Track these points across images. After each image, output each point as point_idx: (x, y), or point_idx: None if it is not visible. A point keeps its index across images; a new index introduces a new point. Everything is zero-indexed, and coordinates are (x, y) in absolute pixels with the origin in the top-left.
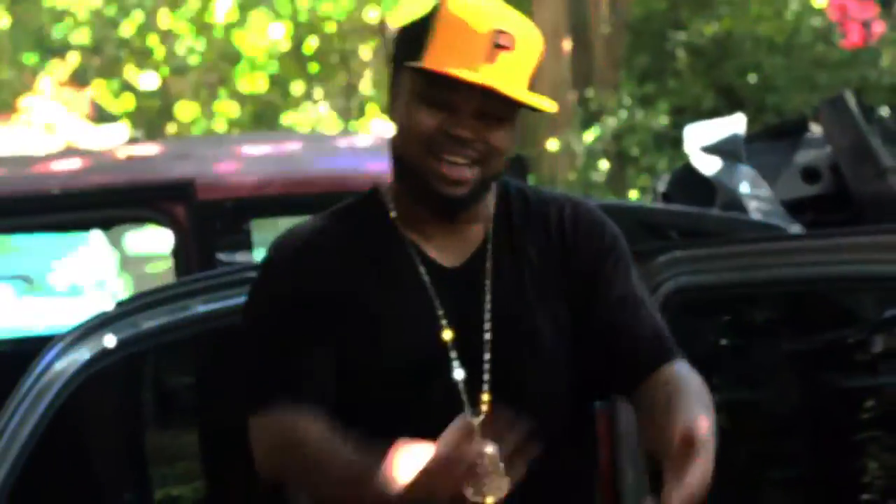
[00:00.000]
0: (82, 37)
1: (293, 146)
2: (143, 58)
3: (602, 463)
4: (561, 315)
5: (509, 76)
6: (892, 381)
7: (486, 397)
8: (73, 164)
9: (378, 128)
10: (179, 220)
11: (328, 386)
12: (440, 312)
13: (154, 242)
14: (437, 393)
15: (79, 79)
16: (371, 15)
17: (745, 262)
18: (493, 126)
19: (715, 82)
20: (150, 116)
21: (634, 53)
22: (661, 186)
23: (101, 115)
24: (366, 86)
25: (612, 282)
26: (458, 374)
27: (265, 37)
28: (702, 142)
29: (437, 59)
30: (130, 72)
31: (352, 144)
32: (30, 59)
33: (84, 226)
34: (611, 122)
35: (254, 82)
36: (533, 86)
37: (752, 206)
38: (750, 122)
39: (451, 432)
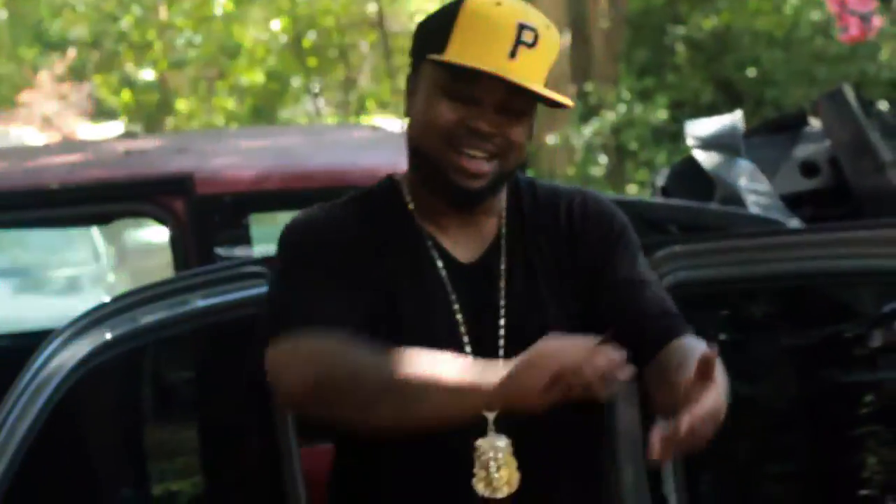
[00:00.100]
0: (81, 31)
1: (292, 140)
2: (142, 52)
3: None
4: (572, 307)
5: (531, 72)
6: (890, 375)
7: None
8: (72, 158)
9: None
10: (178, 214)
11: (359, 326)
12: (456, 307)
13: (152, 237)
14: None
15: (77, 73)
16: (370, 9)
17: (744, 256)
18: (512, 121)
19: (714, 76)
20: (149, 110)
21: (633, 48)
22: (660, 181)
23: (99, 110)
24: (364, 80)
25: (618, 266)
26: None
27: (264, 31)
28: (701, 136)
29: (461, 53)
30: (129, 66)
31: (351, 138)
32: (28, 53)
33: (82, 220)
34: (609, 116)
35: (252, 76)
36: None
37: (751, 200)
38: (749, 117)
39: (537, 347)
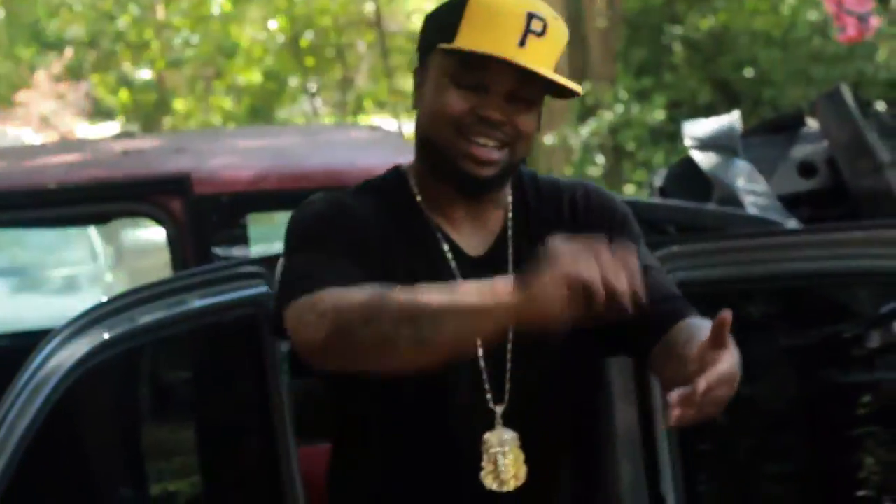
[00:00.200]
0: (78, 30)
1: (289, 140)
2: (139, 51)
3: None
4: None
5: (540, 60)
6: (888, 376)
7: (508, 386)
8: (69, 158)
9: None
10: (175, 214)
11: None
12: None
13: (150, 237)
14: (462, 380)
15: (74, 72)
16: (367, 9)
17: (742, 257)
18: (522, 110)
19: (711, 76)
20: (146, 110)
21: (630, 47)
22: (658, 181)
23: (97, 109)
24: (362, 80)
25: None
26: (482, 362)
27: (261, 30)
28: (699, 137)
29: (471, 41)
30: (126, 65)
31: (348, 138)
32: (25, 53)
33: (80, 220)
34: (607, 116)
35: (250, 76)
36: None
37: (749, 200)
38: (746, 117)
39: (553, 256)
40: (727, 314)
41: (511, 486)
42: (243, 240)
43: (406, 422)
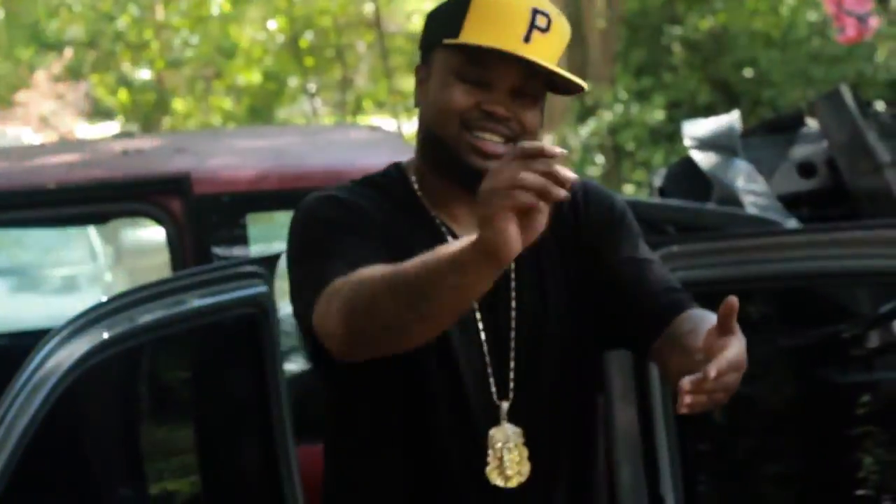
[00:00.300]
0: (77, 31)
1: (289, 140)
2: (139, 52)
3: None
4: (577, 293)
5: (545, 56)
6: (887, 376)
7: (512, 381)
8: (69, 158)
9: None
10: (175, 214)
11: None
12: None
13: (150, 237)
14: (467, 376)
15: (74, 73)
16: (367, 9)
17: (742, 257)
18: (526, 105)
19: (711, 77)
20: (146, 110)
21: (630, 48)
22: (658, 181)
23: (96, 109)
24: (361, 80)
25: (621, 247)
26: (487, 358)
27: (261, 31)
28: (698, 137)
29: (476, 37)
30: (126, 66)
31: (348, 139)
32: (25, 53)
33: (79, 220)
34: (606, 116)
35: (249, 76)
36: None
37: (748, 200)
38: (745, 117)
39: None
40: (734, 300)
41: (515, 482)
42: (243, 240)
43: (410, 418)
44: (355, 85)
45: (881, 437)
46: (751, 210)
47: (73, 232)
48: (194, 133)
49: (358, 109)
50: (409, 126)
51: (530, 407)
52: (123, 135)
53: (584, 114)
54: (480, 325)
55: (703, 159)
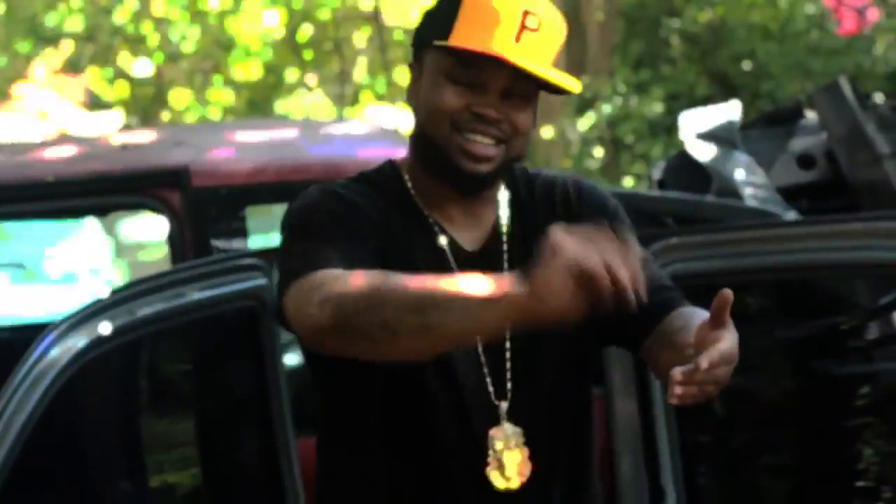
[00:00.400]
0: (76, 24)
1: (288, 133)
2: (137, 45)
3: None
4: None
5: (536, 56)
6: (886, 367)
7: (509, 381)
8: (68, 151)
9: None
10: (174, 207)
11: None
12: None
13: (149, 230)
14: (464, 376)
15: (72, 66)
16: (366, 3)
17: (741, 249)
18: (518, 107)
19: (709, 69)
20: (144, 104)
21: (628, 40)
22: (657, 174)
23: (94, 103)
24: (360, 73)
25: None
26: (482, 357)
27: (259, 24)
28: (697, 129)
29: (466, 38)
30: (124, 59)
31: (346, 131)
32: (23, 46)
33: (79, 213)
34: (605, 109)
35: (248, 69)
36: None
37: (748, 192)
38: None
39: (554, 247)
40: (728, 293)
41: (516, 483)
42: (242, 232)
43: (408, 419)
44: (353, 78)
45: (880, 428)
46: (750, 202)
47: (72, 225)
48: (193, 126)
49: (356, 102)
50: (408, 118)
51: (530, 407)
52: (122, 128)
53: (583, 106)
54: None
55: (702, 151)
